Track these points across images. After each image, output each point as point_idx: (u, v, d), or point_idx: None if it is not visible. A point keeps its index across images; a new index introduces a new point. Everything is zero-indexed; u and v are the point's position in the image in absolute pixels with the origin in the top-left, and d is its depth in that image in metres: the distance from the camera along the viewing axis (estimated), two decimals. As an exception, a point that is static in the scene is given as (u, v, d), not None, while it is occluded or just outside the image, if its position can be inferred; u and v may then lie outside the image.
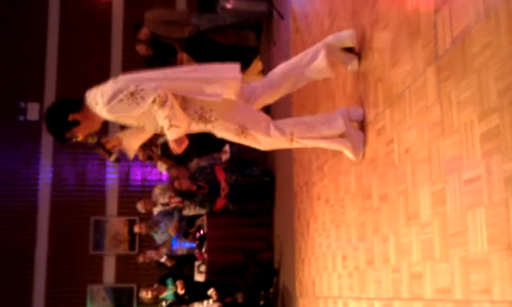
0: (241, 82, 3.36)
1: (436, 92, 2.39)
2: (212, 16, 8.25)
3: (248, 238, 7.28)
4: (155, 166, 8.97)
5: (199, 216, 7.88)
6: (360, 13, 3.55)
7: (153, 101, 3.05)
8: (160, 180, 10.00)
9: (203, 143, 7.93)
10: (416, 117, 2.62)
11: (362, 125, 3.43)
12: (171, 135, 3.16)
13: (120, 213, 10.55)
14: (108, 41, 10.50)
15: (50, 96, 10.58)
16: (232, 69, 3.35)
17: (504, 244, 1.85)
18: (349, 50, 3.56)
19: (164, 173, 8.98)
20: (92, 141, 3.43)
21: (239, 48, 8.71)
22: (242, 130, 3.32)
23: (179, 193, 7.35)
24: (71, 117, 3.24)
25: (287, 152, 6.15)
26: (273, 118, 3.54)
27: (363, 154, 3.40)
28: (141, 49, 8.15)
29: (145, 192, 9.72)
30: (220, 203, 7.19)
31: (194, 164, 7.94)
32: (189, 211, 7.99)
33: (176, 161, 8.23)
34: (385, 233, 3.04)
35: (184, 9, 10.25)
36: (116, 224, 10.52)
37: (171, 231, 8.02)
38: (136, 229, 8.57)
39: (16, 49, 10.72)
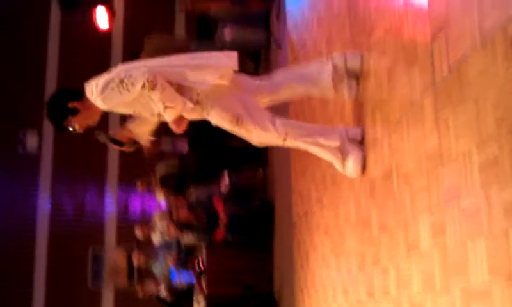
0: (238, 73, 3.38)
1: (433, 120, 2.36)
2: (210, 44, 8.28)
3: (248, 270, 7.21)
4: (153, 195, 8.92)
5: (198, 247, 7.82)
6: (357, 40, 3.55)
7: (143, 86, 3.07)
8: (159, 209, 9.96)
9: (201, 171, 7.91)
10: (414, 145, 2.59)
11: (361, 144, 3.37)
12: (168, 117, 3.20)
13: (118, 244, 10.49)
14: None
15: (49, 127, 10.58)
16: (228, 57, 3.34)
17: (505, 274, 1.81)
18: (352, 75, 3.54)
19: (163, 202, 8.93)
20: (101, 139, 3.48)
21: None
22: (238, 120, 3.28)
23: (177, 224, 7.30)
24: (71, 105, 3.25)
25: (286, 182, 6.12)
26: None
27: (362, 170, 3.33)
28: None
29: (144, 222, 9.68)
30: (219, 234, 7.14)
31: (192, 192, 7.90)
32: (187, 239, 7.93)
33: (175, 190, 8.19)
34: (385, 264, 2.99)
35: (182, 36, 10.31)
36: (114, 256, 10.45)
37: (170, 262, 7.95)
38: (134, 258, 8.47)
39: (15, 80, 10.76)
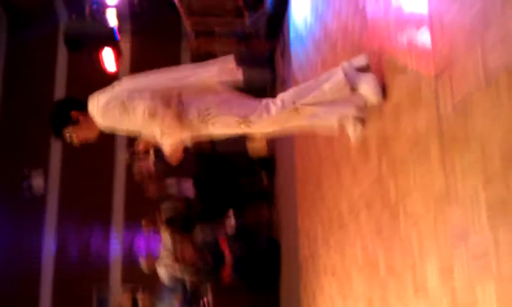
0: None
1: (439, 159, 2.33)
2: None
3: (254, 310, 7.13)
4: (158, 234, 8.88)
5: (204, 289, 7.74)
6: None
7: (143, 113, 3.13)
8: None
9: (206, 210, 7.88)
10: (420, 185, 2.56)
11: (369, 69, 3.22)
12: (165, 143, 3.23)
13: (124, 284, 10.40)
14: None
15: (55, 168, 10.63)
16: (227, 59, 3.36)
17: (516, 319, 1.76)
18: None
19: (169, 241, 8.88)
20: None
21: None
22: (244, 119, 3.22)
23: (182, 264, 7.25)
24: (73, 114, 3.28)
25: (293, 222, 6.07)
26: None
27: (384, 94, 3.10)
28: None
29: (150, 256, 9.60)
30: (226, 273, 7.07)
31: (198, 232, 7.85)
32: (192, 279, 7.86)
33: (180, 230, 8.14)
34: (393, 306, 2.93)
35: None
36: (119, 297, 10.34)
37: (176, 303, 7.86)
38: (140, 300, 8.36)
39: (22, 119, 10.83)
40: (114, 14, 9.50)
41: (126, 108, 3.15)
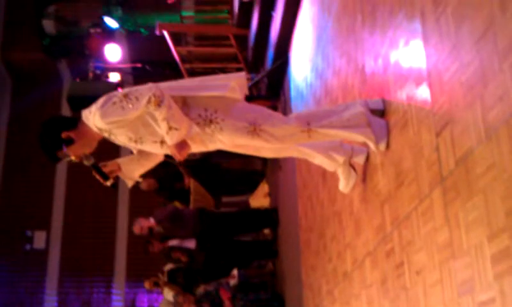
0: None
1: (443, 213, 2.38)
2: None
3: None
4: (161, 293, 8.82)
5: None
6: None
7: (148, 101, 2.85)
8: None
9: (210, 269, 7.84)
10: (425, 239, 2.59)
11: (383, 115, 3.22)
12: (171, 139, 2.93)
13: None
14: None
15: (57, 226, 10.62)
16: (237, 74, 3.23)
17: None
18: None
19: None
20: (88, 162, 3.14)
21: (245, 172, 8.83)
22: (255, 126, 3.03)
23: None
24: (64, 135, 3.03)
25: (297, 276, 6.05)
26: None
27: (387, 144, 3.11)
28: (145, 186, 8.26)
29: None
30: None
31: (201, 290, 7.81)
32: None
33: (183, 288, 8.09)
34: None
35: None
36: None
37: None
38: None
39: (25, 178, 10.90)
40: (118, 76, 9.71)
41: (130, 100, 2.88)
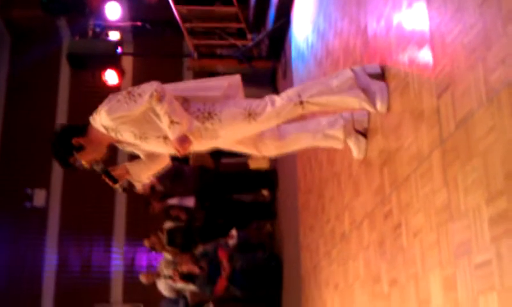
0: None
1: (442, 176, 2.39)
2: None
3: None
4: (160, 253, 8.91)
5: (205, 302, 7.74)
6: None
7: (151, 96, 3.02)
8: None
9: (209, 229, 7.91)
10: (423, 201, 2.61)
11: (382, 78, 3.21)
12: (173, 133, 3.07)
13: (124, 301, 10.40)
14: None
15: (57, 183, 10.66)
16: (232, 77, 3.39)
17: (519, 330, 1.80)
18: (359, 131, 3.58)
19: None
20: (97, 168, 3.32)
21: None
22: (249, 112, 3.19)
23: (182, 276, 7.26)
24: (75, 141, 3.20)
25: (295, 237, 6.11)
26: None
27: (388, 106, 3.11)
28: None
29: (150, 271, 9.63)
30: (221, 284, 7.04)
31: (199, 249, 7.89)
32: (190, 289, 7.87)
33: (182, 247, 8.17)
34: (396, 319, 2.97)
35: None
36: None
37: (177, 319, 7.87)
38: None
39: (24, 136, 10.90)
40: (117, 35, 9.62)
41: (133, 96, 3.06)
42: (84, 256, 10.71)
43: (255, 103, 3.24)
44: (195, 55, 8.66)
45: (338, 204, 4.21)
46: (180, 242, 8.00)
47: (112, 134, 3.22)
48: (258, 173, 8.35)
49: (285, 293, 7.01)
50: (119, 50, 8.63)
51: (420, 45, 2.67)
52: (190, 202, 7.99)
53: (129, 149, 3.41)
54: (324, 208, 4.69)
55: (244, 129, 3.27)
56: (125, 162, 3.62)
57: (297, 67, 6.50)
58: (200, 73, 9.28)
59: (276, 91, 7.84)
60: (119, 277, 10.60)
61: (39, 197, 10.79)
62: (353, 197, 3.82)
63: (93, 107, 3.24)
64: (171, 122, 3.04)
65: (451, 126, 2.31)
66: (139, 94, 3.06)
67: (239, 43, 8.43)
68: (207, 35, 8.74)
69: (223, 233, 7.76)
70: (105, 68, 8.64)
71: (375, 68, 3.25)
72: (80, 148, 3.21)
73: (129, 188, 3.55)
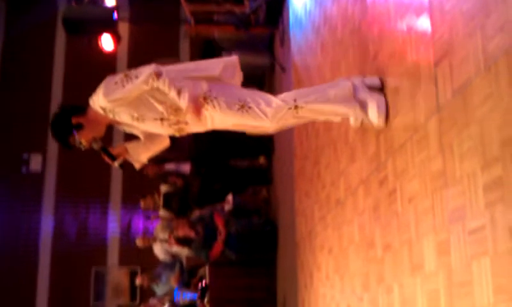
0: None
1: (438, 143, 2.41)
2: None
3: (251, 288, 7.23)
4: (156, 214, 8.95)
5: (201, 266, 7.83)
6: (361, 65, 3.61)
7: (149, 75, 3.05)
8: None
9: (205, 194, 7.95)
10: (418, 167, 2.64)
11: (381, 92, 3.19)
12: (184, 100, 3.12)
13: (121, 264, 10.49)
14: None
15: (53, 148, 10.65)
16: (229, 58, 3.39)
17: (510, 294, 1.84)
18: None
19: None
20: (96, 146, 3.37)
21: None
22: (243, 105, 3.19)
23: (178, 240, 7.33)
24: (74, 120, 3.25)
25: (290, 202, 6.15)
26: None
27: (387, 118, 3.08)
28: None
29: (146, 235, 9.68)
30: (217, 248, 7.12)
31: (196, 214, 7.94)
32: (186, 253, 7.94)
33: (178, 213, 8.22)
34: (390, 283, 3.02)
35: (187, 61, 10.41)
36: (117, 275, 10.44)
37: (173, 282, 7.96)
38: (138, 281, 8.50)
39: (20, 101, 10.86)
40: (113, 1, 9.51)
41: (130, 79, 3.07)
42: (80, 220, 10.76)
43: (250, 97, 3.23)
44: (192, 21, 8.58)
45: (334, 171, 4.24)
46: (176, 206, 8.05)
47: (110, 115, 3.27)
48: (255, 139, 8.36)
49: (280, 257, 7.09)
50: (115, 15, 8.54)
51: (419, 13, 2.66)
52: (186, 168, 8.01)
53: (128, 130, 3.45)
54: (320, 175, 4.72)
55: (237, 119, 3.26)
56: (120, 137, 3.65)
57: (295, 34, 6.47)
58: (197, 40, 9.22)
59: (273, 57, 7.81)
60: (115, 241, 10.68)
61: (35, 162, 10.79)
62: (349, 163, 3.84)
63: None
64: (178, 92, 3.10)
65: (448, 94, 2.32)
66: (136, 76, 3.08)
67: (236, 9, 8.35)
68: (203, 1, 8.65)
69: (219, 199, 7.81)
70: (101, 34, 8.57)
71: (374, 81, 3.22)
72: (80, 127, 3.25)
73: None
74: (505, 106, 1.88)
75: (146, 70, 3.07)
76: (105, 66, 10.55)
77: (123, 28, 10.81)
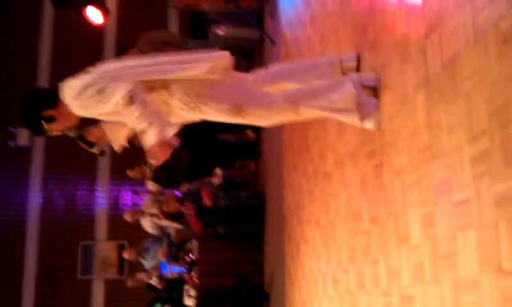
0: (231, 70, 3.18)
1: (425, 116, 2.42)
2: (205, 43, 8.34)
3: (239, 262, 7.27)
4: (145, 189, 8.94)
5: (189, 240, 7.86)
6: (350, 38, 3.60)
7: (122, 98, 2.80)
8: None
9: (193, 168, 7.95)
10: (406, 140, 2.64)
11: (376, 93, 3.14)
12: (150, 138, 2.83)
13: (109, 238, 10.51)
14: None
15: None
16: (221, 54, 3.14)
17: (494, 265, 1.86)
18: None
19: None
20: (71, 134, 3.25)
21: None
22: (238, 109, 3.00)
23: (166, 215, 7.36)
24: (45, 114, 3.09)
25: (278, 176, 6.17)
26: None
27: (378, 121, 3.04)
28: None
29: (134, 209, 9.69)
30: (194, 223, 7.13)
31: (184, 188, 7.95)
32: (174, 227, 7.98)
33: (166, 186, 8.22)
34: (375, 255, 3.04)
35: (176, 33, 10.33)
36: (105, 249, 10.46)
37: (161, 256, 7.98)
38: (125, 255, 8.52)
39: (6, 74, 10.74)
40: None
41: (104, 98, 2.85)
42: (68, 195, 10.74)
43: (244, 99, 3.04)
44: (181, -7, 8.51)
45: (322, 144, 4.25)
46: (165, 180, 8.05)
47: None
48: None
49: (267, 230, 7.13)
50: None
51: (409, -16, 2.65)
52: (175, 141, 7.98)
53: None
54: (308, 148, 4.72)
55: (231, 121, 3.10)
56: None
57: (285, 6, 6.42)
58: (185, 13, 9.13)
59: (262, 30, 7.76)
60: (103, 216, 10.68)
61: (23, 137, 10.70)
62: (337, 137, 3.85)
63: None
64: (150, 123, 2.81)
65: (437, 67, 2.32)
66: (108, 97, 2.85)
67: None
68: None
69: (208, 172, 7.81)
70: (88, 5, 8.47)
71: (372, 80, 3.09)
72: (51, 120, 3.10)
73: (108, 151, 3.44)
74: (494, 79, 1.88)
75: (121, 90, 2.82)
76: (94, 38, 10.48)
77: (111, 1, 10.70)
